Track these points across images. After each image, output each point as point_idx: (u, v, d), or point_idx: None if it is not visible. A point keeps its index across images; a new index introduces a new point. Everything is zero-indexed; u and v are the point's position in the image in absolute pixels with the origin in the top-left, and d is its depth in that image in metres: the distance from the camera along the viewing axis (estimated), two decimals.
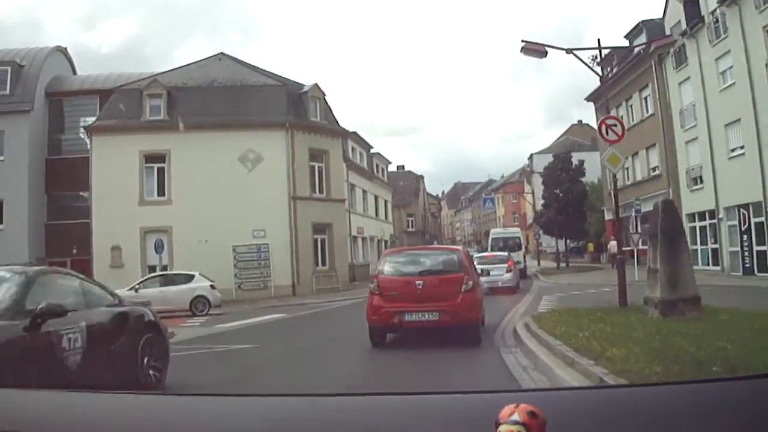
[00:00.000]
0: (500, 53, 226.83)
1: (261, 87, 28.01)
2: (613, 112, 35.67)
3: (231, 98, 27.41)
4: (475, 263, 12.49)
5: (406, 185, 59.15)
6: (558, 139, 61.19)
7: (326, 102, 29.32)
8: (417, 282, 9.31)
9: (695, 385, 1.47)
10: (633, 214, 26.36)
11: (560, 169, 34.98)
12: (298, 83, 29.36)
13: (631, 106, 33.09)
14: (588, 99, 37.98)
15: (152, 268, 24.79)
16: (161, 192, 26.85)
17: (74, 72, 33.57)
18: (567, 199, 33.37)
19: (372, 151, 44.23)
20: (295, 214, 27.00)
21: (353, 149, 39.45)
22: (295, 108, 27.92)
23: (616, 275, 12.40)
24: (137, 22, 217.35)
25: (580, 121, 61.09)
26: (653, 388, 1.50)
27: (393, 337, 9.95)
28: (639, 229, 23.57)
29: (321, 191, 28.44)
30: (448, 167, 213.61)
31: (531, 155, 58.70)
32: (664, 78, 29.26)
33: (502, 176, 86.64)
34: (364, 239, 41.01)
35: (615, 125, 12.50)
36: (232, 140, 26.65)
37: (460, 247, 12.19)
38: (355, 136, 39.06)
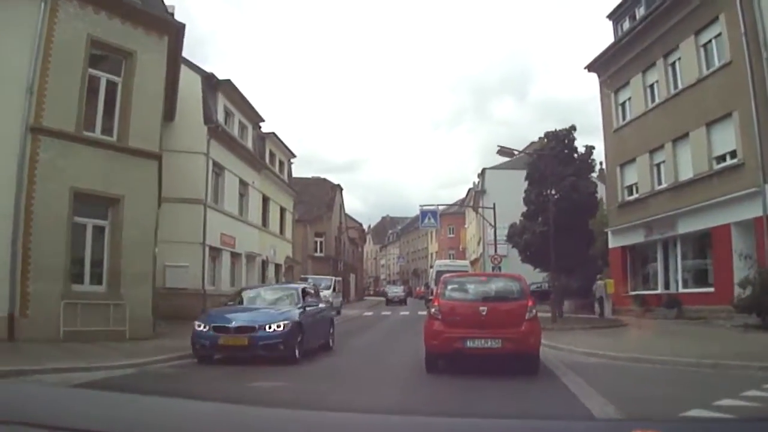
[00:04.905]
0: (438, 96, 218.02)
1: None
2: (636, 79, 23.37)
3: None
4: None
5: (316, 195, 44.66)
6: (523, 150, 48.63)
7: None
8: (481, 308, 9.01)
9: None
10: (765, 212, 13.27)
11: (559, 155, 21.29)
12: None
13: (674, 64, 20.70)
14: (590, 68, 25.49)
15: None
16: None
17: None
18: (569, 204, 19.71)
19: (264, 128, 29.88)
20: (33, 165, 12.27)
21: (228, 113, 25.11)
22: None
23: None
24: None
25: (546, 133, 48.92)
26: None
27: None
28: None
29: (108, 131, 13.81)
30: (379, 208, 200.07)
31: (483, 170, 45.87)
32: (754, 4, 16.94)
33: (437, 207, 73.84)
34: (235, 256, 26.33)
35: None
36: None
37: (522, 275, 10.70)
38: (229, 89, 24.68)
